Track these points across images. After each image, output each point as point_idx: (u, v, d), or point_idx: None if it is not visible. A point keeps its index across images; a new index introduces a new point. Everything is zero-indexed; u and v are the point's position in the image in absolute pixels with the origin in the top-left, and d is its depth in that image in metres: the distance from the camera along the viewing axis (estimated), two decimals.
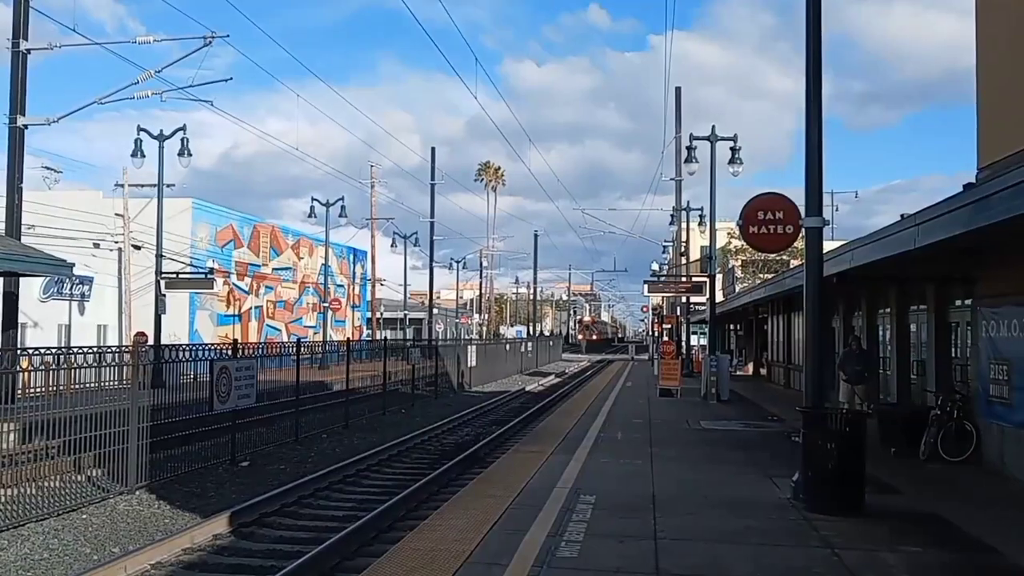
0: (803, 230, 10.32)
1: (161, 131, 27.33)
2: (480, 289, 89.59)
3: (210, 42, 21.02)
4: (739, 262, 52.70)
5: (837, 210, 54.97)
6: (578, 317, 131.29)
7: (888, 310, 18.24)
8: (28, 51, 19.79)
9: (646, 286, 32.62)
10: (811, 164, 9.85)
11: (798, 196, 10.43)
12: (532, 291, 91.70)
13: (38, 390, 12.88)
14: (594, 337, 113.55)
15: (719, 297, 31.14)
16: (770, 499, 9.88)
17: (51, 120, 20.44)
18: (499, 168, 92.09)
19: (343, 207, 41.41)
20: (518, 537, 7.81)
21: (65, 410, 12.19)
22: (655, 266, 50.41)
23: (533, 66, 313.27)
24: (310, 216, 41.59)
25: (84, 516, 11.51)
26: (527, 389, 38.77)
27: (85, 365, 13.29)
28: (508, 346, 53.42)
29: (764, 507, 9.40)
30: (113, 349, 14.66)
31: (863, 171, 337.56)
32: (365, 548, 10.08)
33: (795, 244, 11.94)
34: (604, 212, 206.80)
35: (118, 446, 12.85)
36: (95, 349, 14.04)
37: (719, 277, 31.93)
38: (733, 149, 25.97)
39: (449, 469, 15.38)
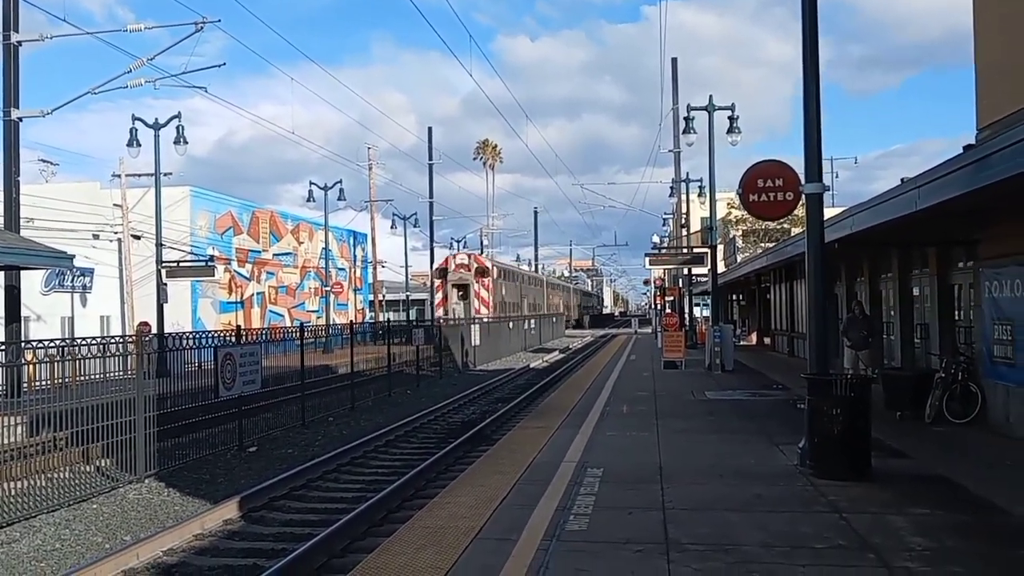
0: (803, 197, 10.30)
1: (156, 120, 27.24)
2: None
3: (201, 28, 20.96)
4: (740, 232, 52.56)
5: (837, 176, 54.88)
6: (440, 265, 54.51)
7: (890, 275, 18.21)
8: (19, 43, 19.73)
9: (647, 259, 32.62)
10: (810, 130, 9.80)
11: (798, 164, 10.40)
12: (533, 268, 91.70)
13: (44, 383, 12.90)
14: (486, 298, 54.60)
15: (720, 268, 31.11)
16: (777, 467, 9.91)
17: (46, 112, 20.42)
18: (496, 146, 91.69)
19: (341, 190, 41.33)
20: (527, 512, 7.83)
21: (71, 402, 12.22)
22: (656, 239, 50.37)
23: (527, 41, 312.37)
24: (309, 200, 41.43)
25: (95, 506, 11.58)
26: (531, 366, 38.84)
27: (89, 356, 13.30)
28: (511, 324, 53.38)
29: (771, 475, 9.43)
30: (117, 339, 14.69)
31: (863, 136, 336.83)
32: (375, 528, 10.13)
33: (796, 212, 11.92)
34: (603, 186, 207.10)
35: (126, 436, 12.91)
36: (99, 340, 14.04)
37: (720, 248, 31.90)
38: (731, 118, 25.92)
39: (456, 447, 15.43)
